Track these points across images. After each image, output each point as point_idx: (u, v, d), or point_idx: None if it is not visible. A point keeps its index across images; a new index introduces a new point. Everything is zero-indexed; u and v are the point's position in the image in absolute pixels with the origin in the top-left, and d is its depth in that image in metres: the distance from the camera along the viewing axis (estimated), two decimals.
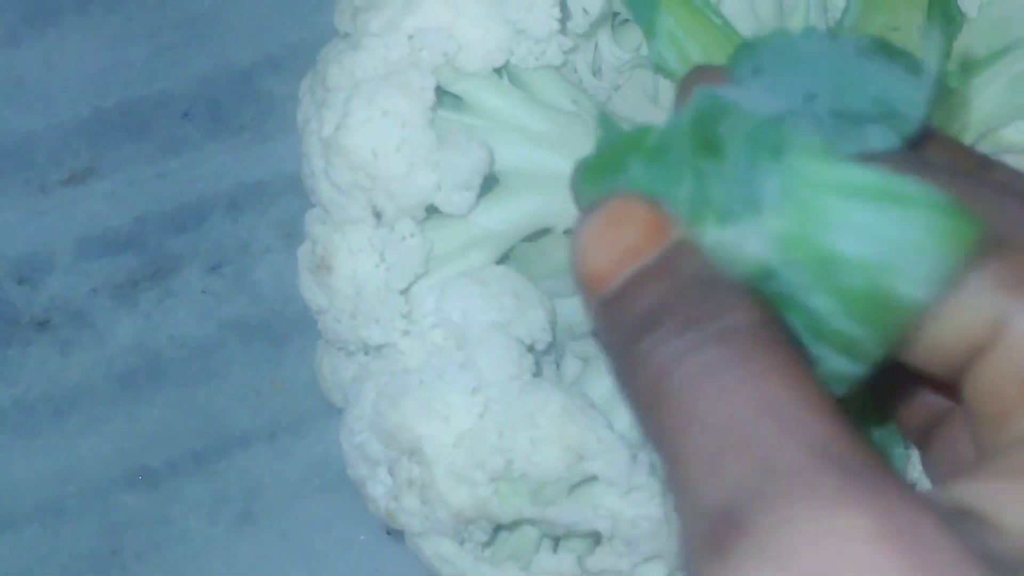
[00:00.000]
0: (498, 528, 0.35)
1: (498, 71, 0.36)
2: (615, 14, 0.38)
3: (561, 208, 0.34)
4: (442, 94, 0.35)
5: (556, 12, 0.34)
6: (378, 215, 0.34)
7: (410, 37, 0.34)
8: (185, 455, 0.52)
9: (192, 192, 0.54)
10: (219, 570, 0.51)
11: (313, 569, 0.50)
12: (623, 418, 0.34)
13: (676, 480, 0.20)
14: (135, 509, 0.52)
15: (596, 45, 0.38)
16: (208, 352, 0.53)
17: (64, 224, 0.55)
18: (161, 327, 0.53)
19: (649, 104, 0.38)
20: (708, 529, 0.19)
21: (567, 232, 0.35)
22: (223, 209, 0.54)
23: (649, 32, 0.34)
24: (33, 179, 0.55)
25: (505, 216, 0.35)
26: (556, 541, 0.37)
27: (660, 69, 0.34)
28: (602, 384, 0.36)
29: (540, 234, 0.36)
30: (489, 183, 0.35)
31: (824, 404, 0.20)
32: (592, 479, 0.34)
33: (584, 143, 0.34)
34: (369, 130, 0.33)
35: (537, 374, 0.35)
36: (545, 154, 0.35)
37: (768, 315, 0.21)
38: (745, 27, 0.36)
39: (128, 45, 0.56)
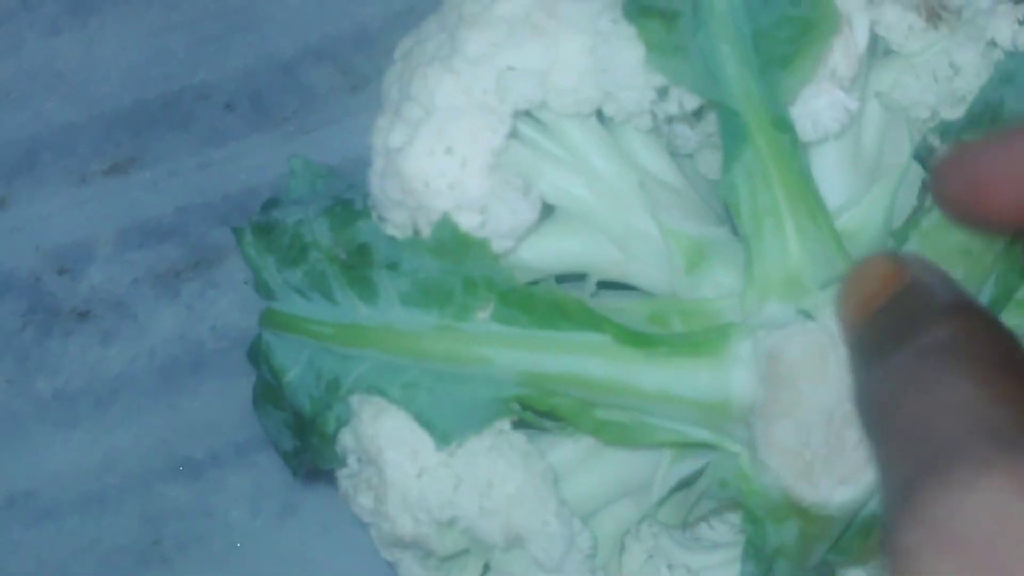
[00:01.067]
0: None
1: None
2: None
3: (598, 258, 0.35)
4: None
5: (652, 96, 0.34)
6: (417, 232, 0.34)
7: (501, 74, 0.34)
8: (227, 447, 0.52)
9: (234, 183, 0.54)
10: (260, 562, 0.51)
11: (353, 561, 0.50)
12: (575, 486, 0.35)
13: (881, 482, 0.24)
14: (177, 500, 0.52)
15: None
16: (250, 343, 0.52)
17: (105, 214, 0.55)
18: (203, 318, 0.53)
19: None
20: (890, 508, 0.23)
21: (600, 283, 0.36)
22: (265, 200, 0.54)
23: (728, 159, 0.33)
24: (74, 169, 0.55)
25: (546, 252, 0.35)
26: None
27: (725, 197, 0.33)
28: (565, 449, 0.36)
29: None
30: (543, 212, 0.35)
31: (1005, 394, 0.23)
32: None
33: (636, 208, 0.34)
34: (428, 163, 0.33)
35: (517, 424, 0.35)
36: (605, 203, 0.35)
37: (969, 324, 0.25)
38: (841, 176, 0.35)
39: (169, 36, 0.56)
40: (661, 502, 0.35)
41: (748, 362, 0.31)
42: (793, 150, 0.32)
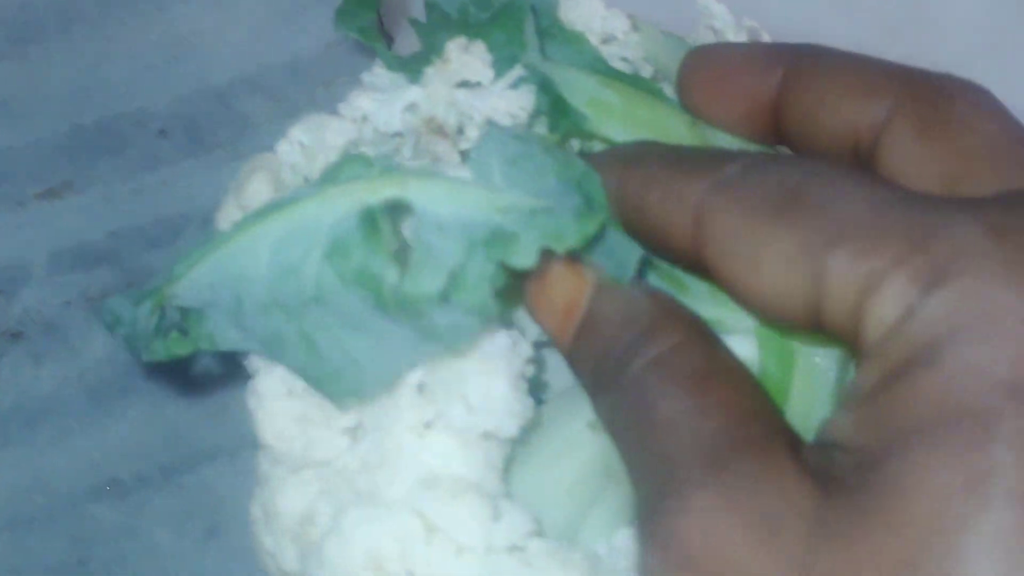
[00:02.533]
0: None
1: None
2: None
3: None
4: None
5: None
6: None
7: None
8: (153, 469, 0.53)
9: (167, 208, 0.55)
10: None
11: None
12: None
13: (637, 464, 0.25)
14: (104, 521, 0.53)
15: None
16: (178, 367, 0.53)
17: (40, 237, 0.56)
18: None
19: None
20: (638, 525, 0.24)
21: None
22: (197, 225, 0.55)
23: None
24: (11, 193, 0.56)
25: None
26: None
27: None
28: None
29: None
30: None
31: (719, 400, 0.24)
32: None
33: None
34: None
35: None
36: None
37: (679, 336, 0.26)
38: None
39: (108, 65, 0.57)
40: None
41: None
42: None
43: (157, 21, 0.58)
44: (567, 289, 0.27)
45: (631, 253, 0.29)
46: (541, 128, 0.33)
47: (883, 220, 0.24)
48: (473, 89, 0.32)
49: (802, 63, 0.30)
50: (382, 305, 0.28)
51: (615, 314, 0.26)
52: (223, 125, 0.56)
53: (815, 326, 0.25)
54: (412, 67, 0.34)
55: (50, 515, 0.53)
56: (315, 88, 0.56)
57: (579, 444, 0.30)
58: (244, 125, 0.56)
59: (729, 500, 0.22)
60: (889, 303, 0.23)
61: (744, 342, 0.29)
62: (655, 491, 0.23)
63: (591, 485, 0.31)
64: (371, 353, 0.29)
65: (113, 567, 0.52)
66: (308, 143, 0.34)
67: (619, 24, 0.37)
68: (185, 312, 0.32)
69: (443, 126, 0.32)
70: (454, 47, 0.32)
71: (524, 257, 0.27)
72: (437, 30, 0.35)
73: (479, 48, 0.33)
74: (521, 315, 0.31)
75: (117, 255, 0.55)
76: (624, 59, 0.36)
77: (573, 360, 0.28)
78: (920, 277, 0.23)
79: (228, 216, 0.35)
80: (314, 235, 0.29)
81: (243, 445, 0.52)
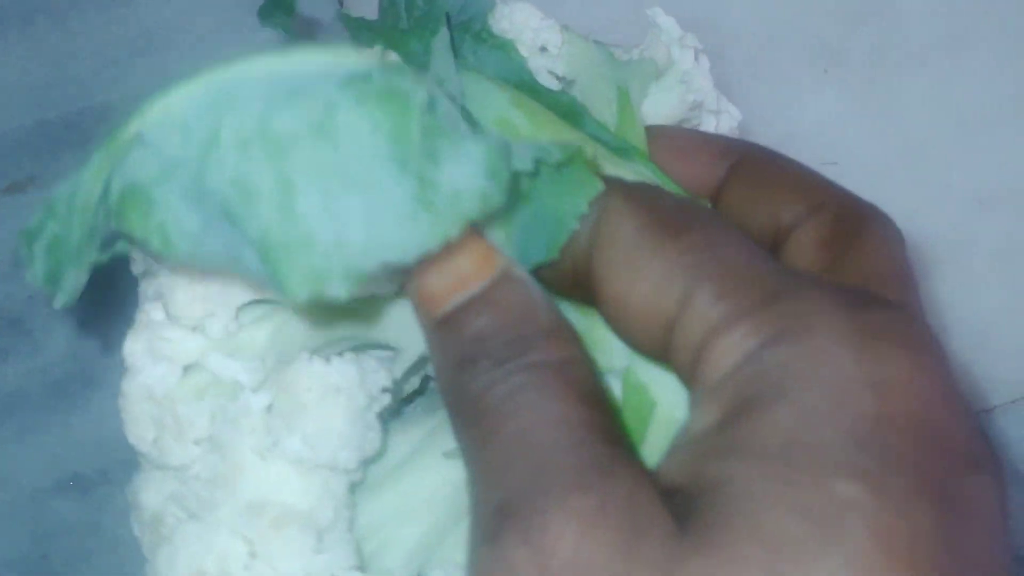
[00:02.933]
0: None
1: None
2: None
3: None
4: None
5: None
6: None
7: None
8: (116, 464, 0.53)
9: None
10: None
11: None
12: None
13: (473, 491, 0.25)
14: (66, 516, 0.52)
15: None
16: None
17: (3, 232, 0.55)
18: (95, 335, 0.54)
19: None
20: (486, 524, 0.23)
21: None
22: None
23: None
24: None
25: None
26: None
27: None
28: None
29: None
30: None
31: (598, 420, 0.25)
32: None
33: None
34: None
35: None
36: None
37: (572, 350, 0.26)
38: None
39: (72, 59, 0.57)
40: None
41: None
42: None
43: (121, 15, 0.57)
44: (469, 262, 0.26)
45: (532, 253, 0.29)
46: None
47: (751, 272, 0.25)
48: None
49: (747, 159, 0.33)
50: (398, 136, 0.25)
51: (514, 306, 0.26)
52: None
53: (664, 357, 0.27)
54: None
55: (12, 510, 0.53)
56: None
57: (437, 471, 0.31)
58: None
59: (606, 505, 0.23)
60: (731, 347, 0.24)
61: (610, 383, 0.30)
62: (518, 492, 0.23)
63: (445, 513, 0.31)
64: (357, 217, 0.25)
65: (75, 562, 0.52)
66: None
67: (552, 37, 0.36)
68: (125, 208, 0.28)
69: None
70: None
71: (524, 163, 0.26)
72: (362, 29, 0.35)
73: (391, 58, 0.32)
74: (399, 337, 0.31)
75: None
76: (552, 73, 0.36)
77: (439, 336, 0.27)
78: (765, 329, 0.24)
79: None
80: (332, 69, 0.26)
81: None
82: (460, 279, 0.26)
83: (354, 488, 0.30)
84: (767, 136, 0.36)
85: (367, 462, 0.29)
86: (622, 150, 0.33)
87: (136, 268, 0.36)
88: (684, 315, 0.25)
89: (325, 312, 0.30)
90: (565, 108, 0.34)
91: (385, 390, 0.29)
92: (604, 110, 0.35)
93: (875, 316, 0.24)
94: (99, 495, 0.53)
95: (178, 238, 0.26)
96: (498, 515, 0.23)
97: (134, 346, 0.30)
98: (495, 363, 0.25)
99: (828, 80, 0.50)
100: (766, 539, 0.22)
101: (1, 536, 0.52)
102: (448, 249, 0.26)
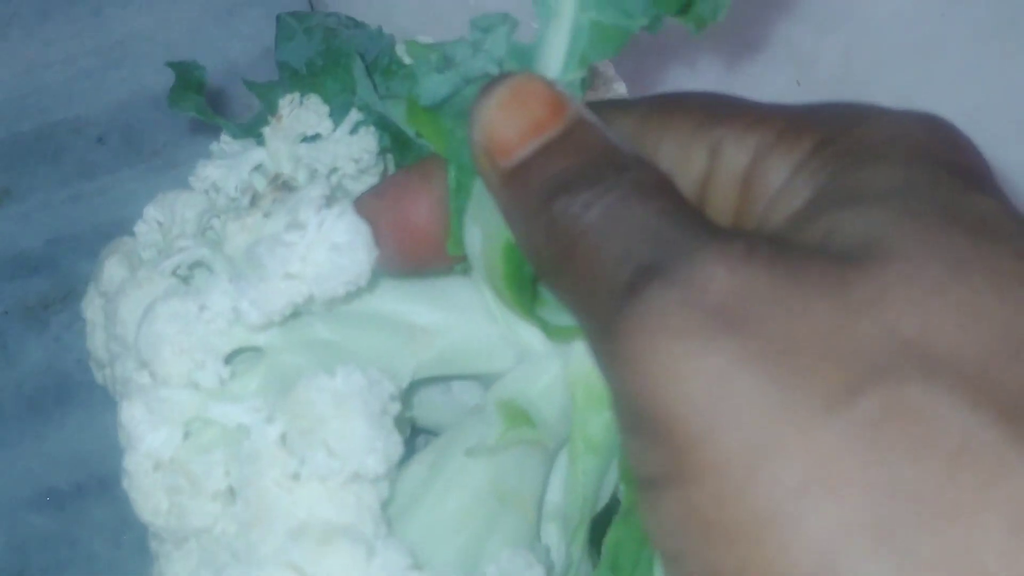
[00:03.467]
0: None
1: None
2: None
3: None
4: None
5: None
6: None
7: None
8: (91, 479, 0.53)
9: (104, 216, 0.55)
10: None
11: None
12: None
13: (582, 291, 0.24)
14: (42, 529, 0.53)
15: None
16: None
17: None
18: (70, 350, 0.54)
19: None
20: (618, 290, 0.22)
21: None
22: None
23: None
24: None
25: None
26: None
27: None
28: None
29: None
30: None
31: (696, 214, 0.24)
32: None
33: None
34: None
35: None
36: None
37: (662, 173, 0.25)
38: None
39: (45, 71, 0.57)
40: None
41: None
42: None
43: (93, 26, 0.57)
44: (541, 108, 0.25)
45: None
46: (390, 166, 0.33)
47: (777, 108, 0.25)
48: (315, 142, 0.32)
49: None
50: None
51: (596, 144, 0.25)
52: (160, 131, 0.56)
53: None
54: (256, 130, 0.34)
55: None
56: (252, 95, 0.55)
57: (463, 475, 0.30)
58: (181, 131, 0.56)
59: (754, 247, 0.22)
60: (793, 147, 0.24)
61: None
62: (650, 258, 0.22)
63: (483, 515, 0.30)
64: None
65: (51, 575, 0.52)
66: (164, 220, 0.34)
67: None
68: None
69: (288, 182, 0.31)
70: (285, 103, 0.33)
71: None
72: (273, 88, 0.35)
73: (313, 101, 0.33)
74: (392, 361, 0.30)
75: (55, 263, 0.55)
76: None
77: (515, 185, 0.26)
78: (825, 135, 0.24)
79: (92, 303, 0.34)
80: None
81: None
82: (534, 124, 0.25)
83: (385, 507, 0.29)
84: None
85: (393, 470, 0.28)
86: None
87: (96, 357, 0.35)
88: (720, 157, 0.25)
89: (318, 342, 0.30)
90: None
91: (393, 398, 0.29)
92: None
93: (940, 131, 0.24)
94: (75, 509, 0.53)
95: None
96: (631, 279, 0.22)
97: (131, 415, 0.29)
98: (588, 186, 0.24)
99: (800, 89, 0.50)
100: (941, 255, 0.21)
101: None
102: (516, 96, 0.25)
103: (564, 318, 0.29)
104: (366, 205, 0.29)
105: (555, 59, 0.28)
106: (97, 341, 0.35)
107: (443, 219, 0.29)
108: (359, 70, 0.34)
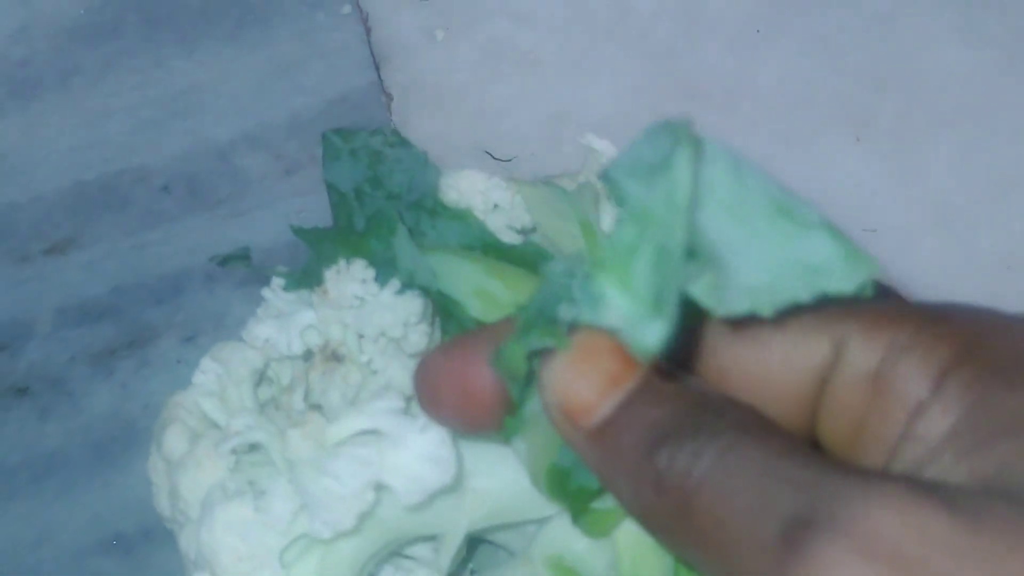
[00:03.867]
0: None
1: None
2: None
3: None
4: None
5: None
6: None
7: None
8: (157, 523, 0.53)
9: (169, 264, 0.56)
10: None
11: None
12: None
13: (711, 548, 0.23)
14: (110, 574, 0.53)
15: None
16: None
17: (44, 293, 0.56)
18: (136, 396, 0.55)
19: None
20: (770, 546, 0.21)
21: None
22: (199, 281, 0.56)
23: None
24: (15, 249, 0.57)
25: None
26: None
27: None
28: None
29: None
30: None
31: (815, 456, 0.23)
32: None
33: None
34: None
35: None
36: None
37: (755, 409, 0.24)
38: None
39: (108, 120, 0.58)
40: None
41: None
42: None
43: (155, 78, 0.58)
44: (614, 362, 0.25)
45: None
46: (437, 332, 0.34)
47: (907, 308, 0.25)
48: (361, 308, 0.33)
49: None
50: None
51: (679, 392, 0.24)
52: (224, 181, 0.57)
53: (806, 420, 0.26)
54: (307, 281, 0.35)
55: (56, 569, 0.53)
56: (315, 145, 0.56)
57: None
58: (244, 181, 0.57)
59: (923, 491, 0.21)
60: (927, 361, 0.24)
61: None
62: (800, 508, 0.21)
63: None
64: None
65: None
66: (222, 372, 0.35)
67: (501, 194, 0.38)
68: None
69: (335, 352, 0.33)
70: (331, 276, 0.34)
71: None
72: (320, 240, 0.36)
73: (358, 266, 0.33)
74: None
75: (120, 311, 0.56)
76: (510, 226, 0.37)
77: (602, 445, 0.25)
78: (960, 346, 0.24)
79: (156, 467, 0.37)
80: None
81: None
82: (611, 379, 0.25)
83: None
84: None
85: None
86: None
87: (163, 515, 0.37)
88: (846, 353, 0.25)
89: (369, 526, 0.31)
90: (532, 259, 0.35)
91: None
92: (570, 246, 0.36)
93: None
94: (141, 553, 0.53)
95: None
96: (785, 536, 0.21)
97: None
98: (691, 434, 0.23)
99: (859, 146, 0.51)
100: None
101: None
102: (584, 352, 0.25)
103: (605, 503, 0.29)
104: (432, 363, 0.29)
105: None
106: (163, 502, 0.37)
107: (503, 393, 0.28)
108: (401, 242, 0.35)
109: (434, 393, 0.29)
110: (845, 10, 0.53)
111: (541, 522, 0.33)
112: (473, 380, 0.28)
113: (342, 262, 0.34)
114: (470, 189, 0.37)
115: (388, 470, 0.30)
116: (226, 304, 0.56)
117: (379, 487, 0.30)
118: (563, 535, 0.31)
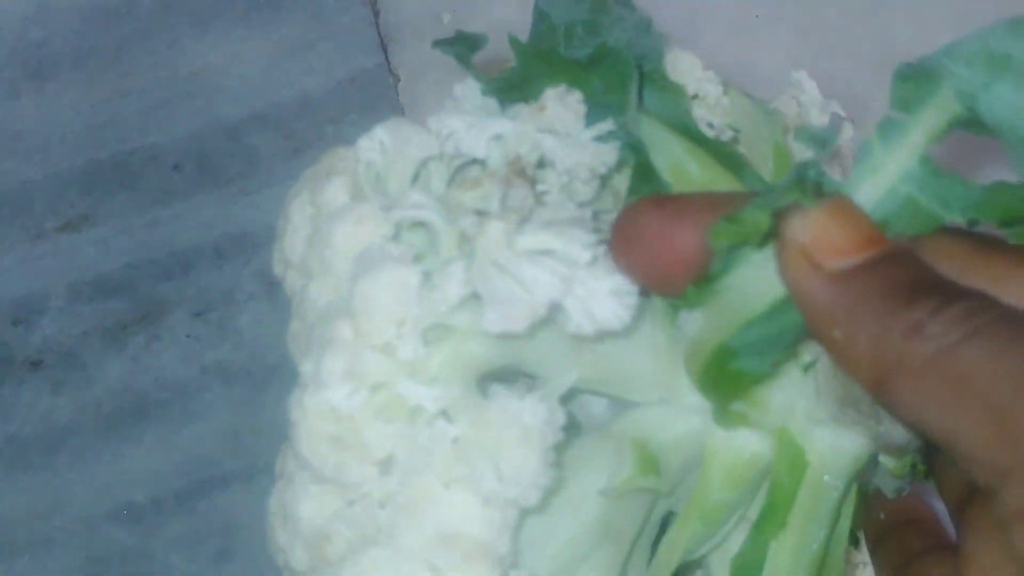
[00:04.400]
0: None
1: None
2: None
3: None
4: None
5: None
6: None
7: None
8: (167, 493, 0.55)
9: (180, 241, 0.57)
10: None
11: None
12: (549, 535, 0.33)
13: (960, 408, 0.23)
14: (120, 543, 0.54)
15: None
16: (191, 395, 0.55)
17: (58, 269, 0.58)
18: (147, 370, 0.56)
19: None
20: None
21: None
22: (209, 258, 0.57)
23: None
24: (30, 226, 0.58)
25: None
26: None
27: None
28: None
29: None
30: None
31: None
32: None
33: None
34: None
35: None
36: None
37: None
38: None
39: (122, 101, 0.59)
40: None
41: None
42: None
43: (169, 58, 0.59)
44: (871, 229, 0.26)
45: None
46: (620, 183, 0.33)
47: None
48: (560, 137, 0.32)
49: None
50: None
51: (925, 266, 0.25)
52: (234, 160, 0.58)
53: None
54: (503, 93, 0.34)
55: (68, 537, 0.55)
56: (324, 125, 0.57)
57: (580, 508, 0.31)
58: (255, 160, 0.58)
59: None
60: None
61: (762, 440, 0.31)
62: None
63: (585, 543, 0.31)
64: None
65: None
66: (388, 145, 0.33)
67: (713, 88, 0.37)
68: None
69: (524, 169, 0.31)
70: (552, 96, 0.32)
71: None
72: (535, 60, 0.35)
73: (574, 98, 0.32)
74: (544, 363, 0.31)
75: (133, 286, 0.57)
76: (710, 124, 0.37)
77: (853, 279, 0.25)
78: None
79: (301, 208, 0.34)
80: None
81: (255, 471, 0.54)
82: (866, 238, 0.25)
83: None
84: None
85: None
86: None
87: (284, 256, 0.35)
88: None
89: (495, 338, 0.30)
90: (727, 159, 0.34)
91: (563, 429, 0.29)
92: (760, 165, 0.36)
93: None
94: (152, 523, 0.55)
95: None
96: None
97: (328, 364, 0.30)
98: (960, 297, 0.24)
99: (857, 130, 0.51)
100: None
101: (56, 562, 0.54)
102: (843, 211, 0.26)
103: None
104: (644, 210, 0.29)
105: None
106: (295, 244, 0.36)
107: (703, 260, 0.28)
108: (633, 87, 0.34)
109: (635, 240, 0.28)
110: None
111: (628, 404, 0.32)
112: (679, 239, 0.28)
113: (563, 87, 0.32)
114: (688, 72, 0.36)
115: (573, 295, 0.29)
116: (235, 280, 0.57)
117: (554, 307, 0.29)
118: (654, 421, 0.32)
